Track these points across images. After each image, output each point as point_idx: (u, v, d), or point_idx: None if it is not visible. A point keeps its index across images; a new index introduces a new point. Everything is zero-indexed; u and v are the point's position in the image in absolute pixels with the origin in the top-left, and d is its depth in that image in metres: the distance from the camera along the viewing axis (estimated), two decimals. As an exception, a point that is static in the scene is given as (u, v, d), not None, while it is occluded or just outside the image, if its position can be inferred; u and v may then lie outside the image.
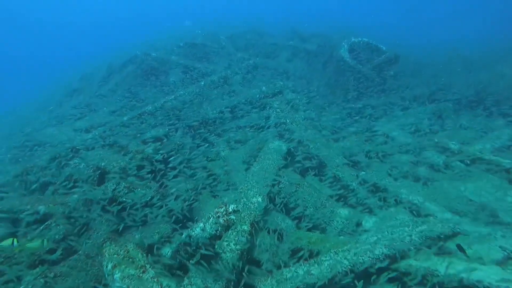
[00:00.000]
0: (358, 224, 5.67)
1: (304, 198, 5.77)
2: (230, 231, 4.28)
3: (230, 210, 3.38)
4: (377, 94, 11.83)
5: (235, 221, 3.37)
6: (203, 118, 9.10)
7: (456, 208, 5.88)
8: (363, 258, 3.94)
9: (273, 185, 5.91)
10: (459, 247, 4.48)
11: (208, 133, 8.59)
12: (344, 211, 5.71)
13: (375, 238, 4.26)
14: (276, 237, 5.10)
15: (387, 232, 4.41)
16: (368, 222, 5.96)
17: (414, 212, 5.82)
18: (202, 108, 9.53)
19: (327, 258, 4.06)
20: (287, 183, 5.91)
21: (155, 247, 4.70)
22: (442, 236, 4.27)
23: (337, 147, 7.65)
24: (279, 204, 5.71)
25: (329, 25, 20.41)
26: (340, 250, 4.16)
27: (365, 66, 12.71)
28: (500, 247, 4.79)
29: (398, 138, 8.66)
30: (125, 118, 9.30)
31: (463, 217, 5.73)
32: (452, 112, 10.44)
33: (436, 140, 6.93)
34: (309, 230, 5.33)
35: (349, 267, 3.88)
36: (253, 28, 18.69)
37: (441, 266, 3.78)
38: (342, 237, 4.97)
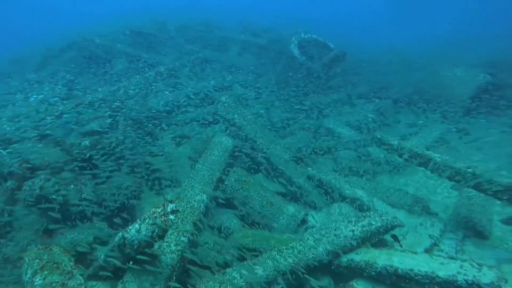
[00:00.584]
0: (304, 221, 5.79)
1: (250, 195, 5.74)
2: (170, 231, 4.10)
3: (169, 210, 3.22)
4: (325, 91, 12.18)
5: (174, 221, 3.21)
6: (148, 111, 8.70)
7: (394, 201, 6.25)
8: (306, 255, 4.01)
9: (219, 182, 5.82)
10: (395, 238, 4.79)
11: (153, 127, 8.23)
12: (290, 208, 5.79)
13: (319, 234, 4.37)
14: (220, 236, 5.04)
15: (331, 228, 4.54)
16: (314, 218, 6.13)
17: (357, 206, 6.08)
18: (147, 101, 9.11)
19: (271, 256, 4.08)
20: (233, 180, 5.84)
21: (87, 249, 4.38)
22: (381, 230, 4.49)
23: (285, 143, 7.74)
24: (224, 202, 5.64)
25: (285, 21, 20.67)
26: (284, 248, 4.20)
27: (314, 62, 13.04)
28: (429, 235, 5.23)
29: (344, 134, 9.00)
30: (60, 108, 8.58)
31: (400, 209, 6.12)
32: (393, 109, 11.12)
33: (378, 136, 7.29)
34: (254, 227, 5.33)
35: (293, 265, 3.92)
36: (205, 20, 18.28)
37: (380, 259, 3.98)
38: (287, 234, 5.03)
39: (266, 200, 5.75)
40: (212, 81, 10.18)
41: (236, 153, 6.94)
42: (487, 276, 3.41)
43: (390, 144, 6.91)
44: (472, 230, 5.33)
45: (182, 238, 4.15)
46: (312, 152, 8.01)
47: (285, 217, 5.66)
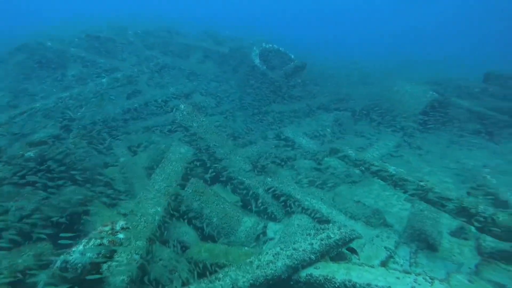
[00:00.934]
0: (263, 233, 5.72)
1: (209, 207, 5.58)
2: (121, 248, 3.81)
3: (118, 228, 2.97)
4: (285, 100, 12.34)
5: (124, 240, 2.97)
6: (103, 119, 8.24)
7: (352, 213, 6.39)
8: (265, 271, 3.92)
9: (176, 194, 5.59)
10: (351, 250, 4.85)
11: (107, 136, 7.80)
12: (249, 220, 5.70)
13: (278, 248, 4.30)
14: (176, 251, 4.81)
15: (290, 241, 4.49)
16: (273, 230, 6.09)
17: (317, 218, 6.12)
18: (102, 108, 8.64)
19: (228, 272, 3.94)
20: (190, 191, 5.64)
21: (27, 273, 3.95)
22: (340, 243, 4.52)
23: (245, 153, 7.68)
24: (182, 214, 5.43)
25: (250, 30, 20.88)
26: (242, 263, 4.09)
27: (275, 72, 13.19)
28: (385, 247, 5.37)
29: (303, 145, 9.11)
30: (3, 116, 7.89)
31: (357, 221, 6.26)
32: (351, 121, 11.50)
33: (336, 147, 7.46)
34: (212, 241, 5.16)
35: (251, 281, 3.81)
36: (167, 27, 17.95)
37: (338, 273, 3.98)
38: (245, 248, 4.92)
39: (224, 212, 5.61)
40: (172, 88, 9.89)
41: (195, 163, 6.74)
42: (438, 289, 3.53)
43: (347, 155, 7.09)
44: (424, 243, 5.56)
45: (135, 256, 3.88)
46: (272, 162, 8.02)
47: (244, 229, 5.56)
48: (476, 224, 4.41)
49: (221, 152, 7.18)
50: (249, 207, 6.45)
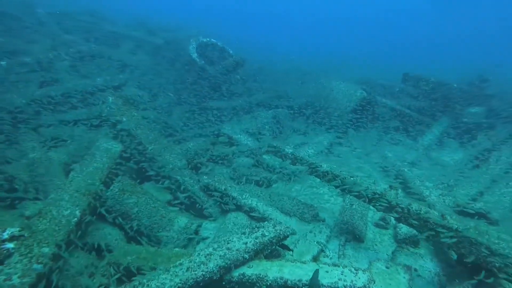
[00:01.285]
0: (196, 232, 5.52)
1: (137, 206, 5.21)
2: (16, 258, 3.31)
3: (6, 236, 2.55)
4: (225, 97, 12.19)
5: (13, 250, 2.55)
6: (8, 108, 7.28)
7: (288, 209, 6.47)
8: (196, 273, 3.74)
9: (99, 193, 5.12)
10: (284, 247, 4.88)
11: (11, 127, 6.89)
12: (182, 219, 5.46)
13: (211, 248, 4.15)
14: (96, 254, 4.40)
15: (224, 240, 4.37)
16: (207, 229, 5.92)
17: (253, 216, 6.08)
18: (6, 96, 7.62)
19: (155, 276, 3.69)
20: (117, 190, 5.22)
21: None
22: (274, 240, 4.51)
23: (180, 150, 7.37)
24: (105, 214, 4.98)
25: (189, 22, 20.15)
26: (172, 265, 3.86)
27: (213, 67, 12.95)
28: (317, 242, 5.53)
29: (242, 142, 9.05)
30: None
31: (292, 217, 6.37)
32: (288, 118, 11.73)
33: (274, 144, 7.53)
34: (140, 243, 4.83)
35: (179, 285, 3.61)
36: (92, 10, 16.53)
37: (271, 271, 3.96)
38: (177, 249, 4.67)
39: (154, 211, 5.30)
40: (99, 79, 9.12)
41: (123, 160, 6.27)
42: (361, 279, 3.71)
43: (284, 152, 7.18)
44: (351, 235, 5.84)
45: (36, 266, 3.39)
46: (209, 160, 7.82)
47: (176, 229, 5.31)
48: (395, 214, 4.74)
49: (153, 148, 6.78)
50: (183, 206, 6.19)
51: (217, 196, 6.35)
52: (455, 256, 4.94)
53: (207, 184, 6.53)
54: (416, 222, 4.52)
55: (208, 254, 4.02)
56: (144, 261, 4.23)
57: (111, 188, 5.26)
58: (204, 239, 5.58)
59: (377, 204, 4.90)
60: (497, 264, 3.57)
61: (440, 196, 6.70)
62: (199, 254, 4.04)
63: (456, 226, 3.91)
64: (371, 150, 10.17)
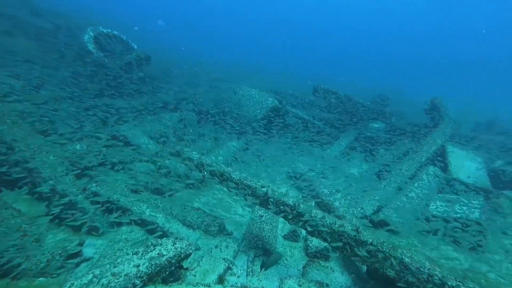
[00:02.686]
0: (77, 253, 4.50)
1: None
2: None
3: None
4: (125, 95, 11.02)
5: None
6: None
7: (191, 221, 5.86)
8: (66, 311, 2.89)
9: None
10: (182, 268, 4.27)
11: None
12: (56, 235, 4.41)
13: (91, 275, 3.30)
14: None
15: (110, 263, 3.55)
16: (93, 247, 4.92)
17: (149, 231, 5.30)
18: None
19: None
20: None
21: None
22: (174, 261, 3.87)
23: (66, 152, 6.15)
24: None
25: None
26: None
27: (112, 61, 11.63)
28: (223, 259, 5.04)
29: (142, 145, 8.11)
30: None
31: (196, 230, 5.77)
32: (196, 122, 11.12)
33: (178, 149, 6.84)
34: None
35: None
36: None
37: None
38: (41, 279, 3.66)
39: (14, 227, 4.14)
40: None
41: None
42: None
43: (190, 158, 6.55)
44: (261, 249, 5.51)
45: None
46: (101, 164, 6.73)
47: (49, 249, 4.23)
48: (308, 228, 4.54)
49: (23, 149, 5.46)
50: (61, 220, 5.06)
51: (107, 207, 5.39)
52: (364, 269, 5.00)
53: (95, 193, 5.50)
54: (330, 236, 4.36)
55: (85, 284, 3.17)
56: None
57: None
58: (86, 260, 4.59)
59: (289, 217, 4.65)
60: (410, 279, 3.60)
61: (349, 207, 6.91)
62: (73, 284, 3.17)
63: (371, 240, 3.87)
64: (280, 159, 10.22)
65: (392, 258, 3.60)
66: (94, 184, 5.77)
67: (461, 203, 7.37)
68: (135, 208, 5.60)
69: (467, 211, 7.06)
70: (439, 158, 9.54)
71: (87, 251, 4.83)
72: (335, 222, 4.40)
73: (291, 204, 4.69)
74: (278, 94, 13.74)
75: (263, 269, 4.76)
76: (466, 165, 9.06)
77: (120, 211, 5.47)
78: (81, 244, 4.74)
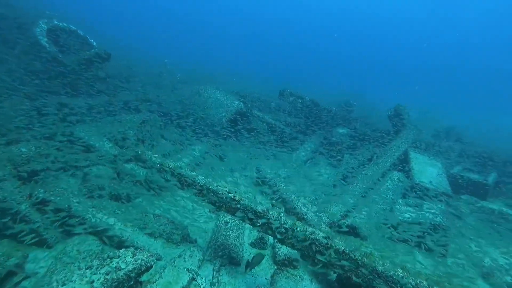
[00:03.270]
0: (18, 268, 4.01)
1: None
2: None
3: None
4: (82, 93, 10.36)
5: None
6: None
7: (153, 229, 5.48)
8: None
9: None
10: (137, 282, 3.92)
11: None
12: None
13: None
14: None
15: (57, 280, 3.15)
16: (37, 261, 4.43)
17: (106, 240, 4.87)
18: None
19: None
20: None
21: None
22: (133, 274, 3.53)
23: (4, 154, 5.56)
24: None
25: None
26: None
27: (68, 57, 10.91)
28: (187, 269, 4.73)
29: (100, 147, 7.59)
30: None
31: (158, 239, 5.41)
32: (159, 124, 10.65)
33: (139, 152, 6.43)
34: None
35: None
36: None
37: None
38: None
39: None
40: None
41: None
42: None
43: (151, 161, 6.17)
44: (227, 258, 5.26)
45: None
46: (50, 168, 6.17)
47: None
48: (278, 236, 4.36)
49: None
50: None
51: (57, 216, 4.89)
52: (333, 277, 4.89)
53: (43, 200, 4.98)
54: (300, 245, 4.19)
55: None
56: None
57: None
58: (26, 277, 4.09)
59: (257, 224, 4.44)
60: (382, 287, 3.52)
61: (317, 213, 6.82)
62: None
63: (343, 248, 3.75)
64: (246, 163, 10.02)
65: (364, 266, 3.51)
66: (42, 190, 5.24)
67: (425, 208, 7.57)
68: (90, 216, 5.14)
69: (431, 216, 7.24)
70: (403, 164, 9.82)
71: (31, 267, 4.33)
72: (306, 229, 4.25)
73: (260, 210, 4.50)
74: (244, 97, 13.59)
75: (248, 269, 4.58)
76: (428, 171, 9.38)
77: (73, 219, 5.00)
78: (25, 256, 4.24)
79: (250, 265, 4.63)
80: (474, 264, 6.72)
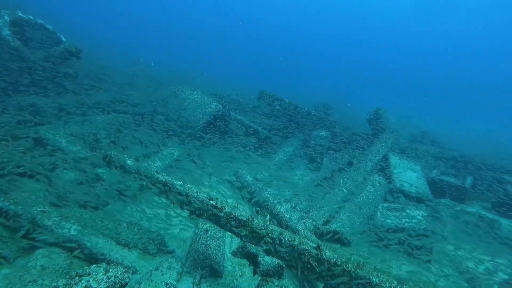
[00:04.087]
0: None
1: None
2: None
3: None
4: (49, 91, 9.77)
5: None
6: None
7: (126, 239, 5.11)
8: None
9: None
10: None
11: None
12: None
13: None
14: None
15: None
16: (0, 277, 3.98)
17: (74, 254, 4.47)
18: None
19: None
20: None
21: None
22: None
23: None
24: None
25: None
26: None
27: (34, 52, 10.27)
28: (165, 283, 4.41)
29: (68, 149, 7.10)
30: None
31: (132, 249, 5.04)
32: (132, 125, 10.19)
33: (111, 154, 6.03)
34: None
35: None
36: None
37: None
38: None
39: None
40: None
41: None
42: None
43: (124, 165, 5.78)
44: (208, 269, 4.97)
45: None
46: (11, 173, 5.67)
47: None
48: (264, 246, 4.12)
49: None
50: None
51: (21, 226, 4.44)
52: (320, 286, 4.71)
53: (2, 209, 4.52)
54: (289, 256, 3.94)
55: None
56: None
57: None
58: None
59: (241, 234, 4.18)
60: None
61: (299, 219, 6.64)
62: None
63: (335, 259, 3.57)
64: (224, 167, 9.74)
65: (358, 278, 3.34)
66: (2, 198, 4.76)
67: (407, 212, 7.58)
68: (56, 225, 4.71)
69: (413, 220, 7.25)
70: (383, 167, 9.86)
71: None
72: (294, 239, 4.04)
73: (244, 219, 4.24)
74: (221, 98, 13.30)
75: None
76: (408, 175, 9.46)
77: (36, 230, 4.55)
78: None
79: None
80: (458, 268, 6.76)
